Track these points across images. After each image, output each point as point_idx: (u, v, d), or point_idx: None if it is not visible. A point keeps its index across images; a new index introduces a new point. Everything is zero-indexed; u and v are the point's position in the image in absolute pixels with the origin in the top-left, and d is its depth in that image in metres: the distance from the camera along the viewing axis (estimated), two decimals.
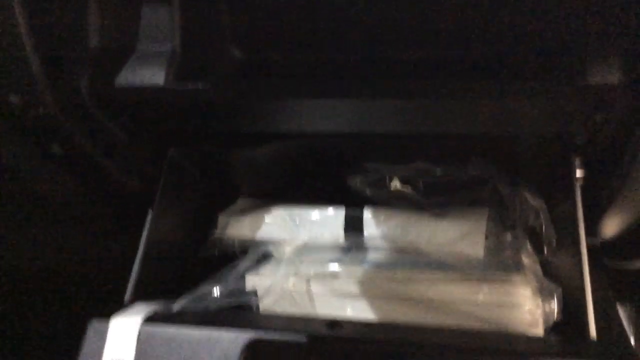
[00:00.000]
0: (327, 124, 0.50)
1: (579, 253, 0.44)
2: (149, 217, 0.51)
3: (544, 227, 0.50)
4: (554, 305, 0.45)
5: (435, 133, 0.49)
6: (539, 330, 0.44)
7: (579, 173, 0.47)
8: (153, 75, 0.43)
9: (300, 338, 0.40)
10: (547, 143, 0.47)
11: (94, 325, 0.44)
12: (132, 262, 0.51)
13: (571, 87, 0.37)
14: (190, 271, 0.55)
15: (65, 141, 0.45)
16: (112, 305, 0.46)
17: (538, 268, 0.49)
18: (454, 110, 0.45)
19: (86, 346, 0.43)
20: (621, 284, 0.65)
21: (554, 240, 0.50)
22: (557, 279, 0.48)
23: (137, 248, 0.51)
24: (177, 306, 0.47)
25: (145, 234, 0.51)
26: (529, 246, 0.52)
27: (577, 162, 0.47)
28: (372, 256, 0.53)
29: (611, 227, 0.53)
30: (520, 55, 0.40)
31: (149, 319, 0.43)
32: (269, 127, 0.50)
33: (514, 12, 0.39)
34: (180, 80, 0.44)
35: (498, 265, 0.50)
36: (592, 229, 0.55)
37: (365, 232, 0.54)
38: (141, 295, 0.49)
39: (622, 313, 0.93)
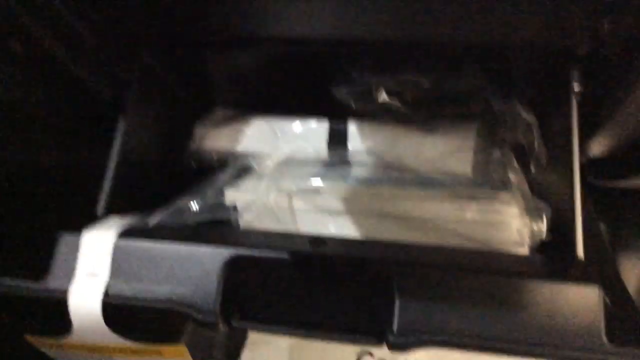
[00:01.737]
0: (312, 27, 0.46)
1: (570, 172, 0.43)
2: (120, 126, 0.48)
3: (535, 143, 0.48)
4: (542, 224, 0.44)
5: (425, 40, 0.45)
6: (524, 250, 0.44)
7: (576, 87, 0.44)
8: None
9: (283, 255, 0.39)
10: (545, 53, 0.44)
11: (65, 239, 0.42)
12: (103, 179, 0.48)
13: None
14: (166, 184, 0.53)
15: (26, 38, 0.41)
16: (84, 219, 0.44)
17: (526, 186, 0.48)
18: (445, 12, 0.41)
19: (58, 260, 0.41)
20: (604, 203, 0.65)
21: (544, 158, 0.49)
22: (546, 198, 0.47)
23: (108, 163, 0.49)
24: (153, 220, 0.45)
25: (116, 143, 0.48)
26: (515, 163, 0.51)
27: (576, 75, 0.44)
28: (357, 172, 0.51)
29: (601, 145, 0.52)
30: None
31: (124, 233, 0.41)
32: (249, 31, 0.47)
33: None
34: None
35: (485, 182, 0.49)
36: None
37: (350, 146, 0.52)
38: (115, 209, 0.47)
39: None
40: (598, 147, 0.52)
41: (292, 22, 0.46)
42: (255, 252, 0.39)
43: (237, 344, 0.97)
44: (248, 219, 0.48)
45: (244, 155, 0.53)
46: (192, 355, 0.45)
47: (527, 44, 0.44)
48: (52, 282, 0.41)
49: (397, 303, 0.36)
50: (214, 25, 0.47)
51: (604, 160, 0.55)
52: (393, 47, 0.49)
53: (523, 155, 0.50)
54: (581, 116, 0.46)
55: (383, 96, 0.52)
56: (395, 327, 0.36)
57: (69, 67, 0.45)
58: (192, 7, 0.45)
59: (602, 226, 0.55)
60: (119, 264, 0.40)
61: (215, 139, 0.55)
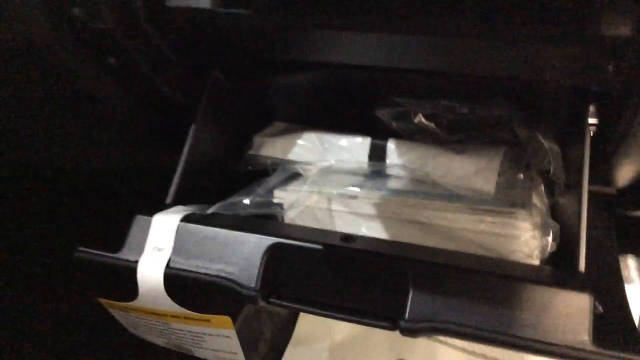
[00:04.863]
0: (360, 56, 0.53)
1: (580, 193, 0.48)
2: (191, 131, 0.57)
3: (554, 169, 0.53)
4: (549, 239, 0.49)
5: (460, 72, 0.51)
6: (534, 262, 0.49)
7: (591, 120, 0.49)
8: None
9: (316, 246, 0.46)
10: (564, 90, 0.49)
11: (138, 220, 0.50)
12: (173, 174, 0.56)
13: (586, 37, 0.39)
14: (225, 185, 0.61)
15: (120, 55, 0.50)
16: (156, 207, 0.52)
17: (544, 208, 0.53)
18: (479, 50, 0.48)
19: (131, 237, 0.50)
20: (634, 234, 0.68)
21: (562, 183, 0.54)
22: (560, 218, 0.52)
23: (178, 161, 0.57)
24: (210, 210, 0.53)
25: (187, 145, 0.56)
26: (541, 187, 0.56)
27: (591, 109, 0.49)
28: (391, 184, 0.57)
29: (623, 176, 0.56)
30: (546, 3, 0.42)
31: (186, 218, 0.49)
32: (306, 56, 0.54)
33: None
34: (226, 4, 0.48)
35: (507, 202, 0.54)
36: (606, 178, 0.58)
37: (388, 161, 0.58)
38: (181, 201, 0.55)
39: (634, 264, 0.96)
40: (622, 178, 0.57)
41: (344, 51, 0.53)
42: (294, 242, 0.46)
43: (281, 341, 1.04)
44: (291, 217, 0.56)
45: (294, 163, 0.60)
46: (241, 343, 0.52)
47: (549, 81, 0.50)
48: (126, 254, 0.49)
49: (410, 294, 0.42)
50: (276, 51, 0.55)
51: (631, 192, 0.59)
52: (431, 77, 0.55)
53: (549, 180, 0.55)
54: (603, 148, 0.50)
55: (420, 118, 0.58)
56: (407, 314, 0.42)
57: (152, 78, 0.54)
58: (258, 36, 0.53)
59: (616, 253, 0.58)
60: (180, 243, 0.48)
61: (270, 147, 0.63)
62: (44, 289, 0.57)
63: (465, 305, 0.42)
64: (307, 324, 1.06)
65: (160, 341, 0.58)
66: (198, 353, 0.57)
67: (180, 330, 0.53)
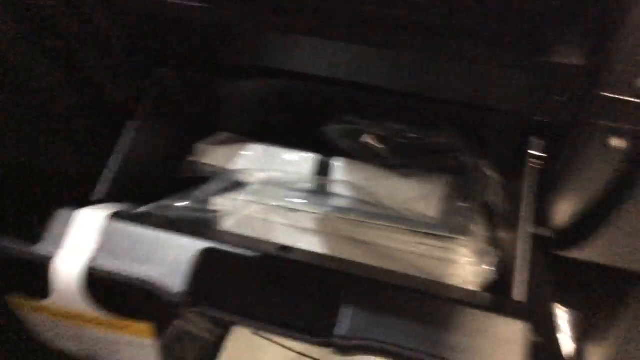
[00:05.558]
0: (314, 65, 0.52)
1: (517, 227, 0.48)
2: (127, 126, 0.54)
3: (496, 200, 0.53)
4: (488, 267, 0.48)
5: (412, 90, 0.51)
6: (471, 288, 0.48)
7: (533, 153, 0.49)
8: None
9: (251, 253, 0.43)
10: (509, 118, 0.50)
11: (60, 214, 0.47)
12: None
13: (533, 61, 0.40)
14: (160, 190, 0.57)
15: (62, 35, 0.47)
16: (80, 201, 0.49)
17: (482, 236, 0.53)
18: (431, 68, 0.48)
19: (50, 231, 0.46)
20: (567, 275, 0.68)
21: (502, 215, 0.54)
22: (500, 248, 0.51)
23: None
24: (141, 210, 0.50)
25: (120, 141, 0.53)
26: (481, 217, 0.56)
27: (536, 142, 0.49)
28: (334, 201, 0.56)
29: (559, 216, 0.57)
30: (501, 25, 0.42)
31: (114, 215, 0.46)
32: (257, 60, 0.53)
33: None
34: None
35: (448, 228, 0.53)
36: (544, 218, 0.58)
37: (332, 178, 0.57)
38: (107, 201, 0.52)
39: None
40: (558, 217, 0.57)
41: (298, 58, 0.52)
42: (227, 248, 0.43)
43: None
44: (227, 225, 0.53)
45: (236, 172, 0.58)
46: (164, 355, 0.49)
47: (495, 107, 0.50)
48: (42, 248, 0.45)
49: (344, 310, 0.41)
50: (227, 52, 0.53)
51: (565, 232, 0.60)
52: (383, 97, 0.55)
53: (488, 210, 0.55)
54: (544, 184, 0.51)
55: (368, 139, 0.58)
56: (337, 330, 0.40)
57: (94, 69, 0.51)
58: (206, 35, 0.52)
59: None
60: (104, 241, 0.45)
61: (212, 155, 0.61)
62: None
63: (400, 324, 0.40)
64: (232, 351, 1.02)
65: (72, 349, 0.53)
66: None
67: (95, 337, 0.49)
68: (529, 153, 0.49)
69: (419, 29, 0.44)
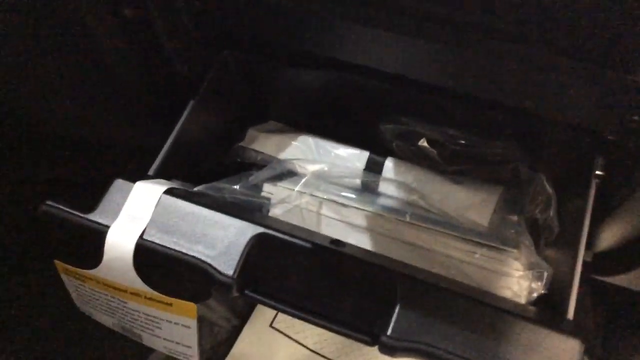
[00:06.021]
0: (375, 58, 0.51)
1: (576, 251, 0.46)
2: (189, 106, 0.54)
3: (550, 216, 0.52)
4: (541, 283, 0.47)
5: (474, 92, 0.50)
6: (521, 301, 0.47)
7: (598, 171, 0.48)
8: None
9: (303, 243, 0.43)
10: (575, 133, 0.48)
11: (117, 185, 0.47)
12: (158, 151, 0.53)
13: (614, 78, 0.39)
14: (208, 171, 0.58)
15: (137, 6, 0.47)
16: (136, 175, 0.49)
17: (533, 250, 0.52)
18: (501, 75, 0.46)
19: (106, 201, 0.46)
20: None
21: (555, 232, 0.53)
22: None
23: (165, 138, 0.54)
24: (196, 189, 0.50)
25: (181, 120, 0.53)
26: (526, 232, 0.55)
27: (600, 160, 0.48)
28: (385, 201, 0.55)
29: (607, 240, 0.55)
30: (585, 37, 0.40)
31: (169, 191, 0.46)
32: (321, 48, 0.52)
33: None
34: None
35: (499, 240, 0.52)
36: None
37: (383, 178, 0.56)
38: (162, 176, 0.52)
39: None
40: (605, 241, 0.56)
41: (359, 50, 0.52)
42: (281, 235, 0.43)
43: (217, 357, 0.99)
44: (277, 213, 0.53)
45: (287, 162, 0.58)
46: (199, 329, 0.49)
47: (560, 121, 0.49)
48: (97, 217, 0.45)
49: (396, 310, 0.40)
50: (293, 38, 0.53)
51: (608, 258, 0.59)
52: (444, 100, 0.54)
53: (536, 226, 0.54)
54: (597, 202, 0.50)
55: (423, 142, 0.57)
56: (389, 331, 0.39)
57: (163, 41, 0.51)
58: (277, 19, 0.51)
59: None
60: (160, 215, 0.45)
61: (263, 142, 0.61)
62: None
63: (451, 330, 0.39)
64: (247, 343, 1.02)
65: (109, 321, 0.53)
66: (147, 340, 0.53)
67: (136, 311, 0.49)
68: (594, 171, 0.48)
69: (492, 32, 0.44)
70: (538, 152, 0.53)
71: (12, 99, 0.47)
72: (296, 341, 0.92)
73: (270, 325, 0.92)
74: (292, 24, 0.52)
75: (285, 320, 0.90)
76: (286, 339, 0.92)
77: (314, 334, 0.88)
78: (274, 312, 0.87)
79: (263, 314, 0.91)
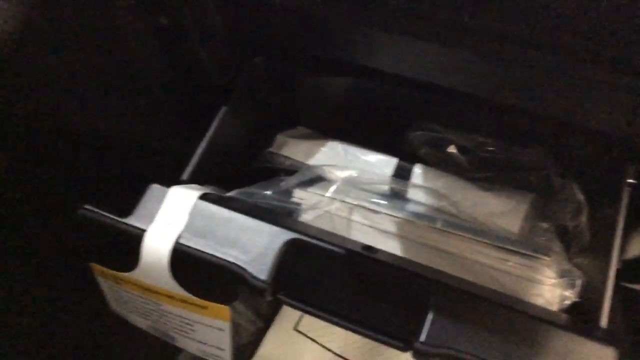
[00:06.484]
0: (405, 65, 0.51)
1: (608, 258, 0.46)
2: (220, 112, 0.55)
3: (582, 224, 0.52)
4: (573, 292, 0.47)
5: (504, 99, 0.50)
6: (553, 309, 0.47)
7: (630, 179, 0.48)
8: None
9: (336, 249, 0.43)
10: (607, 140, 0.48)
11: (153, 190, 0.48)
12: (188, 156, 0.54)
13: None
14: (237, 177, 0.58)
15: (173, 15, 0.48)
16: (172, 180, 0.50)
17: (564, 258, 0.52)
18: (531, 82, 0.46)
19: (142, 206, 0.47)
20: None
21: (586, 240, 0.52)
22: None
23: (196, 143, 0.55)
24: (229, 194, 0.51)
25: (213, 126, 0.54)
26: (556, 239, 0.55)
27: (632, 169, 0.48)
28: (415, 207, 0.55)
29: (634, 248, 0.55)
30: (612, 45, 0.40)
31: (204, 196, 0.47)
32: (351, 56, 0.53)
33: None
34: None
35: (530, 247, 0.52)
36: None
37: (412, 184, 0.56)
38: (194, 181, 0.53)
39: None
40: (635, 249, 0.56)
41: (389, 58, 0.52)
42: (314, 241, 0.44)
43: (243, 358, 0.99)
44: (307, 218, 0.53)
45: (316, 168, 0.58)
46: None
47: (591, 129, 0.49)
48: (134, 221, 0.46)
49: (430, 316, 0.40)
50: (323, 46, 0.53)
51: (638, 265, 0.58)
52: (473, 107, 0.54)
53: (566, 233, 0.54)
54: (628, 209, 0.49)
55: (452, 149, 0.57)
56: (424, 337, 0.40)
57: (197, 47, 0.52)
58: (308, 27, 0.52)
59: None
60: (195, 220, 0.45)
61: (292, 148, 0.61)
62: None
63: (484, 337, 0.39)
64: (272, 346, 1.03)
65: (143, 323, 0.54)
66: (181, 342, 0.54)
67: (171, 313, 0.49)
68: (626, 181, 0.48)
69: (523, 42, 0.44)
70: (569, 159, 0.53)
71: (49, 106, 0.48)
72: (321, 345, 0.92)
73: (295, 329, 0.92)
74: (323, 32, 0.52)
75: (309, 324, 0.90)
76: (310, 342, 0.93)
77: (338, 338, 0.88)
78: (298, 315, 0.87)
79: (287, 317, 0.92)
